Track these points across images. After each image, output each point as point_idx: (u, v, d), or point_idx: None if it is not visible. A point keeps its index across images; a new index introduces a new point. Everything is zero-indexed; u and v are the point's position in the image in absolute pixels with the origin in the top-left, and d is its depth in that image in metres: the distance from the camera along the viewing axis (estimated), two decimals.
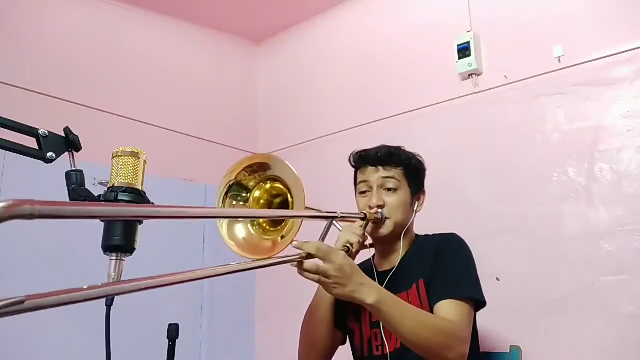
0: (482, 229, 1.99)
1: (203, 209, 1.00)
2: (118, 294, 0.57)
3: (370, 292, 1.02)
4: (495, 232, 1.96)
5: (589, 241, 1.78)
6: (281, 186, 1.03)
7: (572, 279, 1.78)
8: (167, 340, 1.17)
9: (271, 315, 2.68)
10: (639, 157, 1.75)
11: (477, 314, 1.25)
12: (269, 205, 1.07)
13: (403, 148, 1.37)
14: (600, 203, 1.79)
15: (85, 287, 0.53)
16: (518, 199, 1.97)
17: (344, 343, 1.39)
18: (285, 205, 1.03)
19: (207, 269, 0.74)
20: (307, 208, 0.98)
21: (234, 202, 1.04)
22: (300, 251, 0.98)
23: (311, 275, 0.98)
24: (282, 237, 0.97)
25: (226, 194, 1.03)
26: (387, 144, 1.36)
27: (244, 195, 1.05)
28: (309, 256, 0.97)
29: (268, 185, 1.05)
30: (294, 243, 0.96)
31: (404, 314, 1.05)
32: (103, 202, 0.71)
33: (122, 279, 0.83)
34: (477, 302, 1.20)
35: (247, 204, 1.05)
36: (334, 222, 1.17)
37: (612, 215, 1.76)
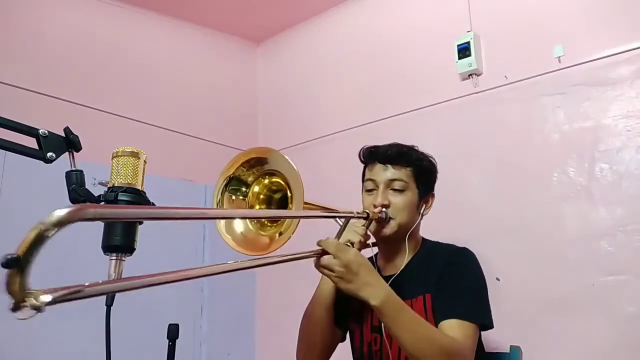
0: (482, 229, 1.99)
1: (214, 210, 0.99)
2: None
3: (376, 294, 0.99)
4: (495, 232, 1.96)
5: (589, 241, 1.78)
6: (280, 181, 1.02)
7: (572, 279, 1.78)
8: (167, 340, 1.16)
9: (271, 315, 2.68)
10: (639, 157, 1.75)
11: None
12: (269, 200, 1.06)
13: (416, 148, 1.34)
14: (600, 203, 1.79)
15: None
16: (518, 199, 1.97)
17: (343, 340, 1.37)
18: (285, 199, 1.02)
19: (232, 264, 0.75)
20: (306, 203, 0.98)
21: (233, 197, 1.03)
22: (316, 247, 1.01)
23: (325, 271, 1.01)
24: (280, 234, 0.97)
25: (225, 186, 1.02)
26: (400, 142, 1.32)
27: (244, 190, 1.04)
28: (324, 252, 1.00)
29: (267, 180, 1.05)
30: (319, 241, 1.01)
31: (408, 324, 1.02)
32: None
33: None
34: (484, 325, 1.18)
35: (246, 199, 1.04)
36: (337, 219, 1.16)
37: (612, 215, 1.76)
